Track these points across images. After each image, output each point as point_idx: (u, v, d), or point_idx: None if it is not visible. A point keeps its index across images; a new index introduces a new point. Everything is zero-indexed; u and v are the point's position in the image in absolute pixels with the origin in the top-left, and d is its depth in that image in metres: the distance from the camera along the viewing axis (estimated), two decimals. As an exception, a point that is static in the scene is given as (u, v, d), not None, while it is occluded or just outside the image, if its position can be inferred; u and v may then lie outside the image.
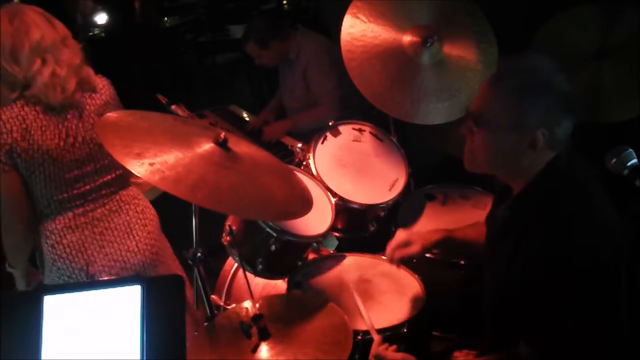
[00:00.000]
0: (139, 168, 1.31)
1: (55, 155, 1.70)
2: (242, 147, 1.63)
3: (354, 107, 3.00)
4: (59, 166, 1.71)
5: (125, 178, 1.90)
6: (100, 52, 5.12)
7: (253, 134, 3.23)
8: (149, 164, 1.33)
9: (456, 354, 1.50)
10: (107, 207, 1.83)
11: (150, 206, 1.99)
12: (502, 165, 1.43)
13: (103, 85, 1.85)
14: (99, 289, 1.18)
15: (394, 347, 1.45)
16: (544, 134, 1.32)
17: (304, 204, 1.61)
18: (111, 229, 1.83)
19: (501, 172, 1.47)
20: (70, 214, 1.78)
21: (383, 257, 1.95)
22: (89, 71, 1.79)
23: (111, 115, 1.51)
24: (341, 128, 2.34)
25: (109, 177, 1.82)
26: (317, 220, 1.95)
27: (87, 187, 1.78)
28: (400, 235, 1.78)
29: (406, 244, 1.75)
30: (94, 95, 1.79)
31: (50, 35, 1.68)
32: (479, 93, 1.42)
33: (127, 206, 1.88)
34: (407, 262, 1.85)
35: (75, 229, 1.78)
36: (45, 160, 1.68)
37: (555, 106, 1.32)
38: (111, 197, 1.85)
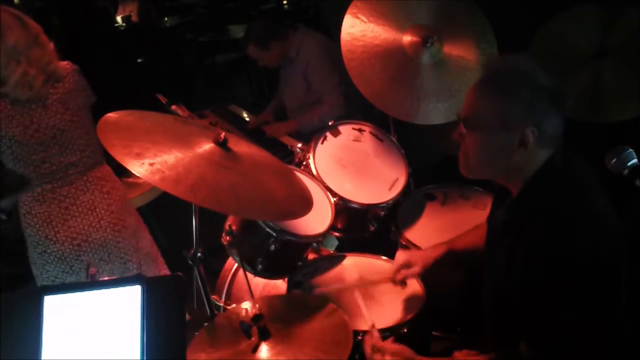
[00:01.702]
0: (139, 168, 1.31)
1: (21, 140, 1.87)
2: (242, 147, 1.63)
3: (354, 107, 3.00)
4: (25, 149, 1.88)
5: (93, 158, 2.04)
6: (101, 52, 5.13)
7: (253, 134, 3.24)
8: (149, 164, 1.33)
9: (456, 353, 1.50)
10: (74, 185, 2.00)
11: (119, 187, 2.15)
12: (495, 166, 1.43)
13: (68, 74, 1.98)
14: (99, 289, 1.18)
15: (391, 338, 1.46)
16: (533, 131, 1.32)
17: (304, 203, 1.61)
18: (76, 205, 2.00)
19: (497, 175, 1.47)
20: (39, 189, 1.96)
21: (383, 257, 1.95)
22: (56, 64, 1.93)
23: (111, 115, 1.51)
24: (341, 128, 2.34)
25: (74, 158, 1.97)
26: (317, 220, 1.95)
27: (53, 167, 1.94)
28: (401, 256, 1.81)
29: (407, 265, 1.78)
30: (58, 84, 1.94)
31: (23, 38, 1.82)
32: (466, 98, 1.43)
33: (93, 186, 2.03)
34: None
35: (42, 202, 1.96)
36: (12, 143, 1.86)
37: (540, 102, 1.33)
38: (78, 177, 2.00)
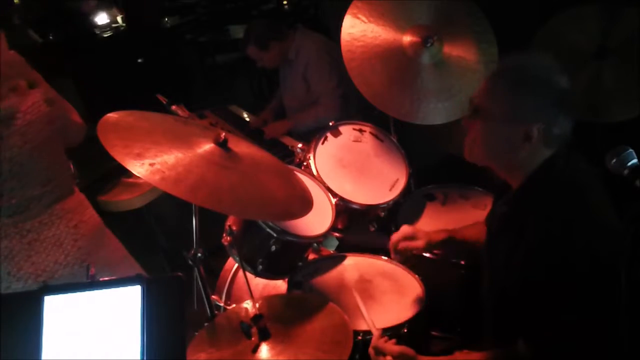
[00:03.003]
0: (139, 168, 1.31)
1: None
2: (242, 147, 1.63)
3: (354, 107, 3.00)
4: None
5: (59, 191, 1.89)
6: (101, 52, 5.13)
7: (253, 134, 3.24)
8: (149, 164, 1.33)
9: (457, 353, 1.50)
10: (38, 219, 1.85)
11: (89, 219, 1.98)
12: (498, 157, 1.45)
13: (32, 104, 1.81)
14: (99, 289, 1.18)
15: (393, 340, 1.47)
16: (539, 128, 1.34)
17: (305, 204, 1.61)
18: (40, 241, 1.85)
19: (499, 166, 1.48)
20: None
21: (383, 257, 1.95)
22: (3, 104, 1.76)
23: (111, 115, 1.51)
24: (342, 128, 2.34)
25: (36, 191, 1.82)
26: (317, 221, 1.95)
27: (13, 200, 1.80)
28: (406, 229, 1.81)
29: (411, 237, 1.78)
30: (15, 115, 1.77)
31: None
32: (481, 85, 1.45)
33: (59, 220, 1.88)
34: (407, 263, 1.86)
35: (4, 237, 1.81)
36: None
37: (550, 102, 1.34)
38: (43, 210, 1.85)
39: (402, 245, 1.79)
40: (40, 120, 1.82)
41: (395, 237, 1.82)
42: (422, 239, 1.77)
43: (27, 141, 1.78)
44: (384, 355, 1.43)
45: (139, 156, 1.35)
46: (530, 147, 1.36)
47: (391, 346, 1.44)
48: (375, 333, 1.51)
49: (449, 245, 1.78)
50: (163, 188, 1.31)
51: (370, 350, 1.47)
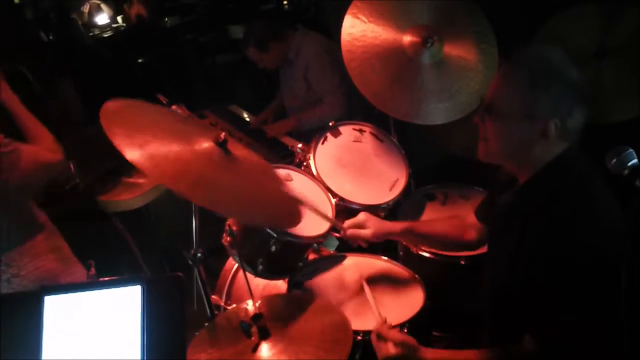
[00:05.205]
0: (138, 158, 1.29)
1: None
2: (239, 150, 1.62)
3: (355, 107, 3.00)
4: None
5: (21, 233, 1.84)
6: (101, 52, 5.13)
7: (253, 134, 3.24)
8: (150, 158, 1.32)
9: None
10: None
11: (27, 274, 1.88)
12: (514, 155, 1.43)
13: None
14: (99, 289, 1.19)
15: (397, 329, 1.47)
16: (557, 124, 1.33)
17: (291, 217, 1.57)
18: None
19: (512, 163, 1.48)
20: None
21: (383, 257, 1.95)
22: None
23: (113, 104, 1.48)
24: (341, 128, 2.34)
25: None
26: (317, 221, 1.94)
27: None
28: (361, 216, 1.82)
29: (361, 225, 1.79)
30: None
31: None
32: (492, 83, 1.43)
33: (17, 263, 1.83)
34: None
35: None
36: None
37: (567, 95, 1.34)
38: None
39: (350, 232, 1.80)
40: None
41: (347, 223, 1.82)
42: (371, 229, 1.77)
43: None
44: (385, 341, 1.41)
45: (140, 147, 1.32)
46: (546, 143, 1.36)
47: (394, 333, 1.43)
48: (379, 319, 1.49)
49: (407, 236, 1.82)
50: (162, 182, 1.29)
51: (373, 336, 1.45)
